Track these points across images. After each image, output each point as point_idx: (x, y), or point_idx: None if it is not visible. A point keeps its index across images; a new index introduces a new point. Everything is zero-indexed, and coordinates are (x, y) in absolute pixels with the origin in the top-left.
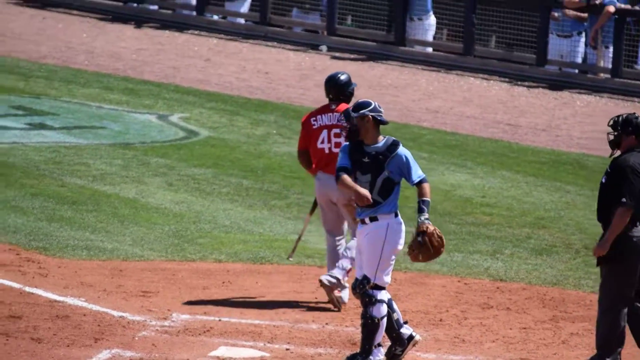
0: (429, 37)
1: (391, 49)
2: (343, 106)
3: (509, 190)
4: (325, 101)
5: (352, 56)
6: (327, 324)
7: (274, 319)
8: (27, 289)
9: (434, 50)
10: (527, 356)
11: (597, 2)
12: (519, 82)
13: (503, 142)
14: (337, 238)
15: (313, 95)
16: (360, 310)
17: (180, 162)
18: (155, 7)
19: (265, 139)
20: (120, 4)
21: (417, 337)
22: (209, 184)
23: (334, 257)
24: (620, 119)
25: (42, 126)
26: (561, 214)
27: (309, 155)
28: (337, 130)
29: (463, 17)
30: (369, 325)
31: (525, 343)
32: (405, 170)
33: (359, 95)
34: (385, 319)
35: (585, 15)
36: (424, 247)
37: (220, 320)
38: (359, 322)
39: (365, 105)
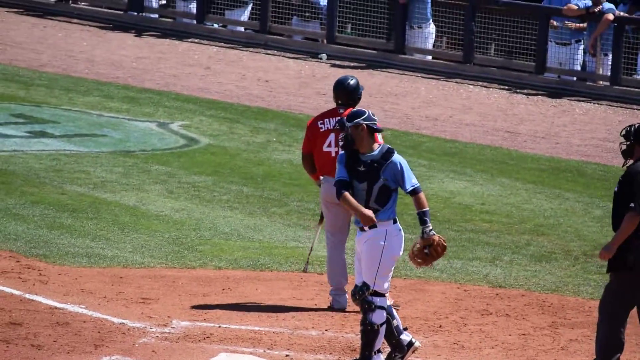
0: (429, 45)
1: (391, 57)
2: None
3: (508, 197)
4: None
5: (351, 64)
6: (326, 330)
7: (274, 326)
8: (27, 296)
9: (433, 58)
10: None
11: (597, 10)
12: (518, 90)
13: (502, 149)
14: (340, 239)
15: (313, 103)
16: (360, 316)
17: (180, 170)
18: (156, 16)
19: (265, 147)
20: (121, 12)
21: (417, 344)
22: (209, 191)
23: (334, 261)
24: (633, 128)
25: (42, 134)
26: (560, 221)
27: (312, 159)
28: None
29: (462, 25)
30: (369, 332)
31: (524, 349)
32: (399, 177)
33: (359, 104)
34: (384, 326)
35: (585, 25)
36: (430, 257)
37: (220, 326)
38: (358, 328)
39: (359, 114)
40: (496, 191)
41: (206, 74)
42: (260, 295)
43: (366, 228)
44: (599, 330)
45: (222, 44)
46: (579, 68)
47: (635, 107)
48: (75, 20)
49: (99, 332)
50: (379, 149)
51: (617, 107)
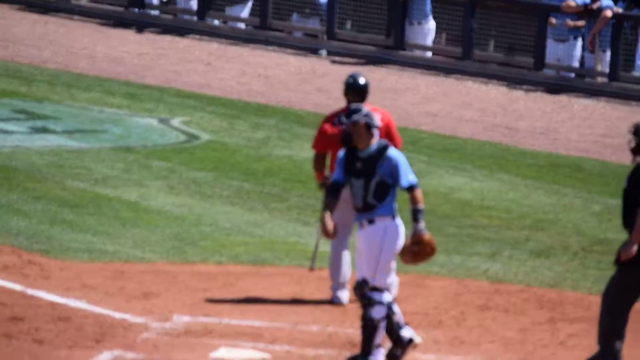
0: (428, 42)
1: (390, 53)
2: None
3: (508, 193)
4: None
5: (351, 60)
6: (327, 325)
7: (275, 321)
8: (29, 291)
9: (433, 54)
10: (525, 357)
11: (595, 6)
12: (517, 86)
13: (502, 145)
14: (344, 235)
15: (313, 99)
16: (360, 311)
17: (181, 166)
18: (157, 12)
19: (265, 143)
20: (122, 9)
21: (418, 340)
22: (210, 187)
23: (338, 257)
24: None
25: (44, 130)
26: (559, 216)
27: (324, 159)
28: None
29: (462, 21)
30: (369, 327)
31: (523, 344)
32: (395, 172)
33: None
34: (384, 321)
35: (583, 23)
36: (417, 255)
37: (221, 322)
38: (359, 323)
39: (357, 111)
40: (495, 187)
41: (207, 70)
42: (261, 291)
43: (365, 224)
44: (601, 320)
45: (223, 40)
46: (577, 64)
47: (633, 103)
48: (76, 17)
49: (100, 327)
50: (376, 145)
51: (615, 103)
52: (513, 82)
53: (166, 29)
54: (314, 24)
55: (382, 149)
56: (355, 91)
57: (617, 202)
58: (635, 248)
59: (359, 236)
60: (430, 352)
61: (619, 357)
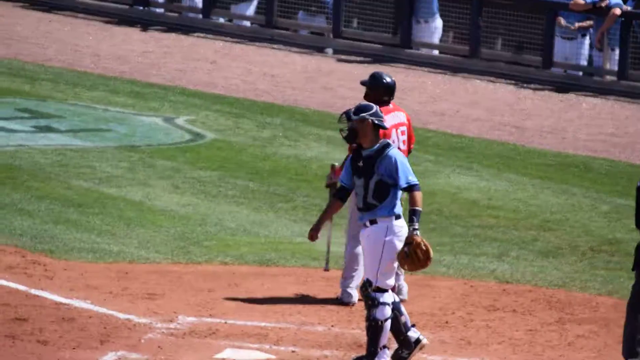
0: (435, 40)
1: (397, 51)
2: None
3: (515, 192)
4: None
5: (358, 59)
6: (333, 326)
7: (280, 321)
8: (33, 291)
9: (440, 52)
10: (533, 358)
11: (603, 4)
12: (525, 85)
13: (509, 144)
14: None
15: (319, 97)
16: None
17: (186, 165)
18: (162, 10)
19: (271, 142)
20: (127, 7)
21: (425, 341)
22: (215, 186)
23: (354, 256)
24: None
25: (48, 129)
26: (567, 216)
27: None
28: (403, 129)
29: (469, 19)
30: (373, 328)
31: (531, 345)
32: (393, 172)
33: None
34: (389, 322)
35: (591, 23)
36: (409, 258)
37: (226, 322)
38: (364, 324)
39: (366, 108)
40: (503, 186)
41: (212, 69)
42: (266, 291)
43: (367, 224)
44: (626, 328)
45: (228, 38)
46: (585, 63)
47: None
48: (81, 15)
49: (104, 327)
50: (378, 144)
51: (624, 101)
52: (521, 80)
53: (171, 27)
54: (320, 22)
55: (382, 149)
56: (390, 90)
57: (625, 202)
58: None
59: (362, 236)
60: (437, 353)
61: None
